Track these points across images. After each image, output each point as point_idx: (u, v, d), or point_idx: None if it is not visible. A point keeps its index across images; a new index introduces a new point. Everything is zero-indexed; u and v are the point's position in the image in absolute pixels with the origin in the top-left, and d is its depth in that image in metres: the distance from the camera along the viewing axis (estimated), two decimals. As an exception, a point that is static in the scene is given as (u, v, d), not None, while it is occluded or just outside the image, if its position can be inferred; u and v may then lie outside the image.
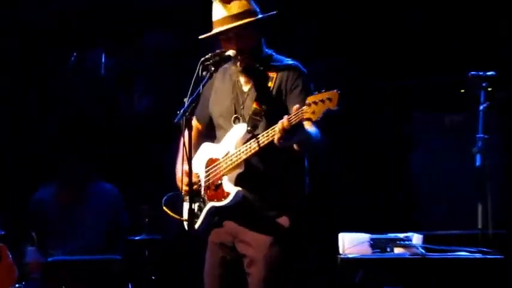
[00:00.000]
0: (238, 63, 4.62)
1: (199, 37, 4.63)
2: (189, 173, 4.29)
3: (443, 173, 7.12)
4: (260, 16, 4.60)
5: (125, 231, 7.04)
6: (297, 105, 4.21)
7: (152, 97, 7.84)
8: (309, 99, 4.17)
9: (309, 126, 4.35)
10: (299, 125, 4.23)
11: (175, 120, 4.23)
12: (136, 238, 6.69)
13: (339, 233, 5.51)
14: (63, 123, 7.74)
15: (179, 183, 4.64)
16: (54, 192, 7.18)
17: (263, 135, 4.40)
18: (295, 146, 4.38)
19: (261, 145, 4.41)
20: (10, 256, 6.24)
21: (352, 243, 5.44)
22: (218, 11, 4.59)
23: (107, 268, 6.61)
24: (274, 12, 4.62)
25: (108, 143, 7.71)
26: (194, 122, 4.80)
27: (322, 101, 4.13)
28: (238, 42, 4.56)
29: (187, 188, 4.49)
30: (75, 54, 7.69)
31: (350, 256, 5.41)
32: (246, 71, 4.66)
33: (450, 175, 7.03)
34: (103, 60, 7.78)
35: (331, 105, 4.12)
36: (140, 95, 7.83)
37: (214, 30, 4.59)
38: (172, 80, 7.43)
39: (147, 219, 6.69)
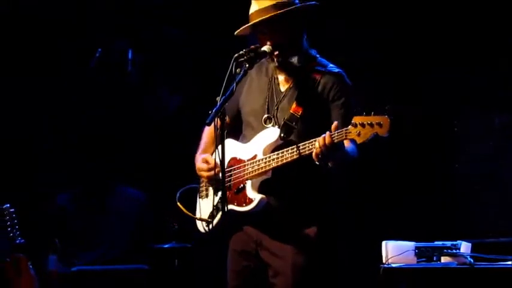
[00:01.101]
0: (275, 59, 4.39)
1: (235, 33, 4.44)
2: (222, 177, 4.09)
3: (493, 176, 6.88)
4: (290, 8, 4.35)
5: (151, 239, 6.88)
6: (336, 122, 4.05)
7: (181, 97, 7.63)
8: (356, 120, 3.98)
9: (346, 143, 4.17)
10: (340, 144, 4.06)
11: (208, 121, 4.03)
12: (165, 246, 6.54)
13: (382, 241, 5.35)
14: (86, 125, 7.56)
15: (199, 172, 4.52)
16: (77, 199, 7.07)
17: (299, 147, 4.20)
18: (329, 163, 4.19)
19: (296, 157, 4.21)
20: (31, 268, 6.05)
21: (396, 252, 5.28)
22: (253, 4, 4.39)
23: (133, 278, 6.47)
24: (312, 3, 4.40)
25: (134, 146, 7.54)
26: None
27: (371, 124, 3.95)
28: (272, 36, 4.34)
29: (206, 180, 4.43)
30: (99, 49, 7.48)
31: (394, 266, 5.25)
32: (283, 68, 4.44)
33: (500, 179, 6.81)
34: (130, 56, 7.56)
35: (381, 131, 3.94)
36: (169, 94, 7.63)
37: (245, 26, 4.41)
38: (201, 78, 7.24)
39: (176, 226, 6.51)
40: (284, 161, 4.22)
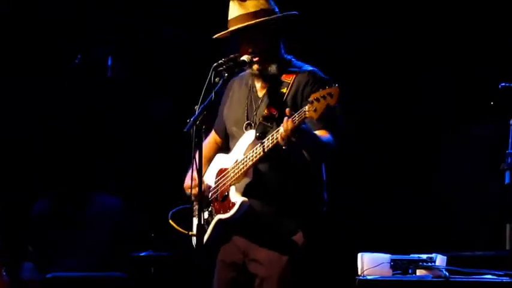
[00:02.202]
0: (253, 66, 4.42)
1: (213, 37, 4.49)
2: (199, 186, 4.08)
3: (469, 189, 6.90)
4: (274, 16, 4.40)
5: (129, 247, 6.80)
6: (288, 109, 4.09)
7: (167, 102, 7.61)
8: (312, 96, 4.03)
9: (322, 133, 4.23)
10: (305, 128, 4.10)
11: (185, 129, 4.06)
12: (142, 254, 6.47)
13: (357, 252, 5.30)
14: (65, 131, 7.49)
15: (186, 190, 4.55)
16: (54, 206, 6.99)
17: (268, 138, 4.23)
18: (304, 153, 4.23)
19: (266, 149, 4.23)
20: (4, 273, 6.00)
21: (371, 264, 5.22)
22: (234, 9, 4.41)
23: (110, 286, 6.44)
24: (293, 12, 4.44)
25: (116, 152, 7.51)
26: (213, 135, 4.72)
27: (324, 97, 4.00)
28: (253, 42, 4.38)
29: (193, 197, 4.44)
30: (79, 56, 7.46)
31: (369, 278, 5.21)
32: (261, 76, 4.47)
33: (477, 192, 6.83)
34: (109, 62, 7.53)
35: (331, 101, 3.99)
36: (155, 99, 7.61)
37: (223, 32, 4.45)
38: (187, 84, 7.21)
39: (153, 234, 6.46)
40: (258, 156, 4.24)
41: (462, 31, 6.90)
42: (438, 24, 6.97)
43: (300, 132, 4.07)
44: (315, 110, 3.99)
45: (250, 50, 4.35)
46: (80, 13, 7.44)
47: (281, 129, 4.08)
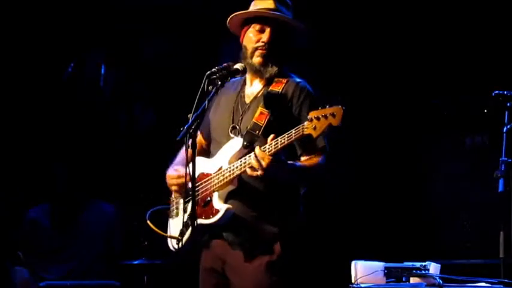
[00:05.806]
0: (255, 60, 4.46)
1: (233, 14, 4.51)
2: (192, 194, 4.06)
3: (463, 198, 6.92)
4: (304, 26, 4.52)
5: (119, 254, 6.84)
6: (273, 135, 4.14)
7: (153, 112, 7.60)
8: (311, 114, 4.06)
9: (315, 157, 4.29)
10: (282, 160, 4.14)
11: (178, 137, 4.06)
12: (135, 262, 6.47)
13: (351, 260, 5.32)
14: (58, 138, 7.46)
15: (169, 181, 4.57)
16: (48, 213, 6.96)
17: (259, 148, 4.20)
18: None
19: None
20: None
21: (365, 272, 5.25)
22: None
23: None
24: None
25: (107, 160, 7.51)
26: (199, 138, 4.70)
27: (325, 116, 4.02)
28: (273, 36, 4.43)
29: (176, 188, 4.48)
30: (72, 64, 7.45)
31: (363, 286, 5.23)
32: (260, 71, 4.49)
33: (471, 200, 6.85)
34: (102, 71, 7.53)
35: (334, 121, 4.01)
36: (141, 109, 7.59)
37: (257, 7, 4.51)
38: (175, 93, 7.21)
39: (146, 242, 6.44)
40: (247, 167, 4.24)
41: (460, 33, 6.94)
42: (438, 26, 7.01)
43: (276, 162, 4.11)
44: (315, 128, 4.02)
45: (266, 39, 4.39)
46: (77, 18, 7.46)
47: (252, 155, 4.12)
